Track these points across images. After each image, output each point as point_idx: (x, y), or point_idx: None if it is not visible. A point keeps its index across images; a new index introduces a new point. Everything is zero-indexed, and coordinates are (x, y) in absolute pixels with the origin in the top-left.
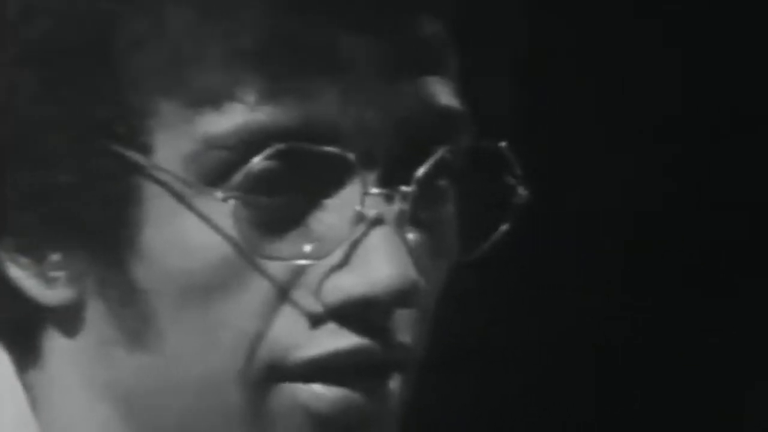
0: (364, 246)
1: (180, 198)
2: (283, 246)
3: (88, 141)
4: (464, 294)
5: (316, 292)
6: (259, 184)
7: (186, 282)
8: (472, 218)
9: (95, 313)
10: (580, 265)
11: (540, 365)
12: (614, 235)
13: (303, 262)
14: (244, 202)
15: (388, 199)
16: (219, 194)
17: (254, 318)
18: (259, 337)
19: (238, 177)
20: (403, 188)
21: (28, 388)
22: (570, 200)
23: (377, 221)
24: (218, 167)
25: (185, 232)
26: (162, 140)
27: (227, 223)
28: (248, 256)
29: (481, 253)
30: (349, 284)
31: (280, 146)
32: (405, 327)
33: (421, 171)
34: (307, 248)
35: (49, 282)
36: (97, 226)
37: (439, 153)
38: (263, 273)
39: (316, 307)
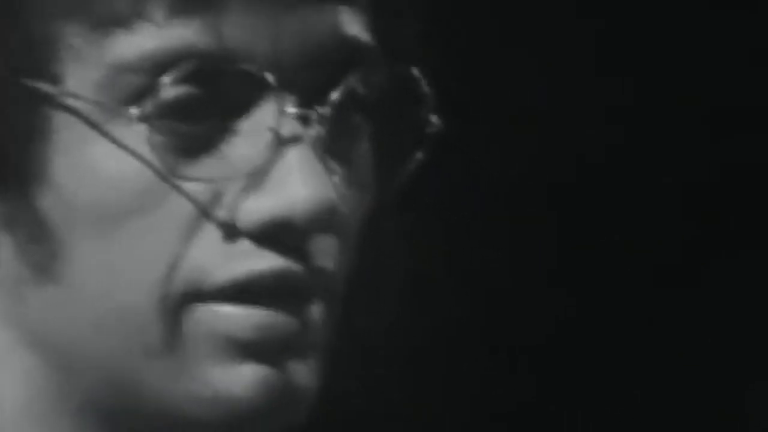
0: (281, 166)
1: (91, 124)
2: (198, 168)
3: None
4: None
5: (233, 214)
6: (171, 107)
7: (97, 210)
8: (388, 155)
9: (5, 251)
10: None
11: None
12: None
13: (218, 183)
14: (157, 126)
15: (304, 121)
16: (131, 112)
17: (168, 243)
18: (174, 261)
19: (150, 101)
20: (320, 110)
21: None
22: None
23: (294, 141)
24: (130, 91)
25: (96, 159)
26: (71, 69)
27: (140, 149)
28: (162, 179)
29: (399, 186)
30: (266, 205)
31: (190, 65)
32: (325, 253)
33: (335, 94)
34: (223, 169)
35: None
36: (4, 161)
37: (354, 76)
38: (177, 196)
39: (233, 229)
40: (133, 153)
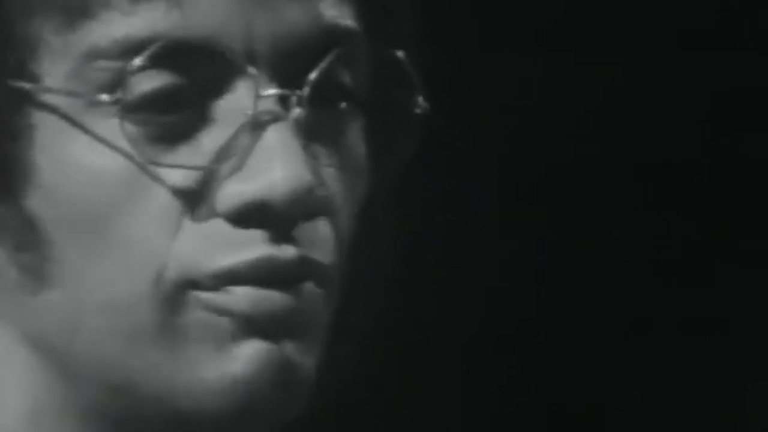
0: (259, 150)
1: (67, 118)
2: (177, 156)
3: None
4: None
5: (215, 201)
6: (144, 95)
7: (83, 206)
8: (382, 141)
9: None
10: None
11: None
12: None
13: (197, 170)
14: (132, 116)
15: (282, 102)
16: (104, 98)
17: (155, 234)
18: (162, 252)
19: (122, 89)
20: (297, 91)
21: None
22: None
23: (272, 122)
24: (102, 80)
25: (77, 155)
26: (48, 65)
27: (118, 140)
28: (142, 170)
29: (396, 173)
30: (245, 189)
31: (158, 49)
32: (312, 238)
33: (313, 74)
34: (202, 156)
35: None
36: None
37: (331, 56)
38: (159, 186)
39: (217, 217)
40: (111, 145)
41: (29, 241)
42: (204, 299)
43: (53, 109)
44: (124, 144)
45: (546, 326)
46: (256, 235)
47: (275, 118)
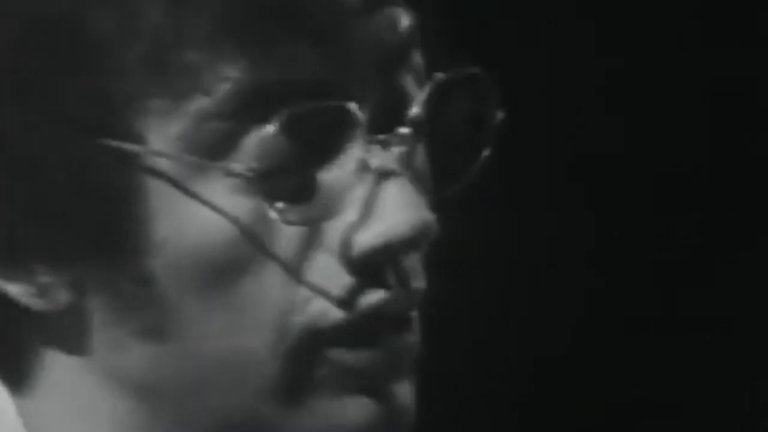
0: (377, 195)
1: (181, 181)
2: (295, 211)
3: (80, 140)
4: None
5: (338, 252)
6: (262, 151)
7: (202, 266)
8: (450, 152)
9: (99, 314)
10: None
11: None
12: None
13: (318, 223)
14: (249, 173)
15: (387, 143)
16: (223, 165)
17: (278, 289)
18: (287, 307)
19: (237, 148)
20: (402, 130)
21: (21, 411)
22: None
23: (385, 168)
24: (214, 141)
25: (194, 216)
26: (154, 126)
27: (235, 199)
28: (262, 227)
29: (467, 183)
30: (370, 236)
31: (289, 109)
32: (416, 270)
33: (413, 111)
34: (321, 208)
35: (43, 290)
36: (96, 225)
37: (427, 91)
38: (280, 242)
39: (340, 267)
40: (226, 208)
41: (144, 300)
42: (332, 356)
43: (165, 172)
44: (243, 202)
45: (546, 326)
46: (378, 278)
47: (387, 163)
